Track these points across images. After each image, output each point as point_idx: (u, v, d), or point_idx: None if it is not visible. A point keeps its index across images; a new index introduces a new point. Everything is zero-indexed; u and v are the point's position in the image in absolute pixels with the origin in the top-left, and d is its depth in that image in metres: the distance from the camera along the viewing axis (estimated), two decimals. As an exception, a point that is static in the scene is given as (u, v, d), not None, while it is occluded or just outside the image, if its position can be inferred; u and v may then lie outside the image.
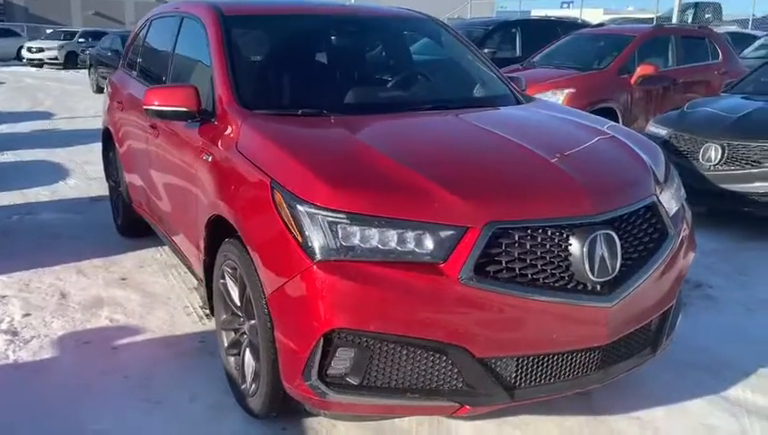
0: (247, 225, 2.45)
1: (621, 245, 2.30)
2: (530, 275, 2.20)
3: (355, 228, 2.15)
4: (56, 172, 7.17)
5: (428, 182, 2.25)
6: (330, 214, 2.16)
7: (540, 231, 2.22)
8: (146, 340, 3.40)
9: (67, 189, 6.44)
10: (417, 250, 2.16)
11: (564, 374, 2.35)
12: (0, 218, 5.40)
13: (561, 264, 2.24)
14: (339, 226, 2.15)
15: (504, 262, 2.18)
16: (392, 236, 2.16)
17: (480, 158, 2.58)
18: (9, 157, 7.92)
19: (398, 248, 2.15)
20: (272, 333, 2.33)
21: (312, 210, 2.18)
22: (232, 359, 2.84)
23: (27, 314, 3.65)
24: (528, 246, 2.21)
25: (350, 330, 2.14)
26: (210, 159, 2.84)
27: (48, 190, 6.35)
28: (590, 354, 2.35)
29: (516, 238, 2.20)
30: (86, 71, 17.38)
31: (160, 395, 2.88)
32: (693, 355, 3.14)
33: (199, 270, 3.12)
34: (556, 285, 2.23)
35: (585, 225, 2.25)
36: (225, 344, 2.89)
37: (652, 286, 2.44)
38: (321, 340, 2.15)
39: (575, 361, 2.34)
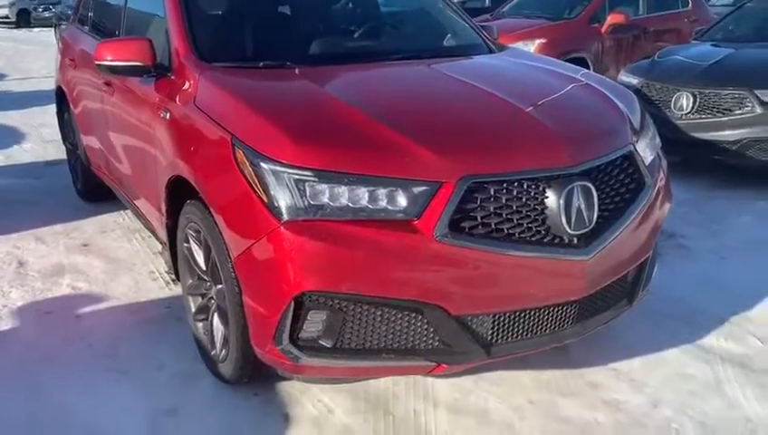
0: (209, 185, 2.33)
1: (598, 196, 2.23)
2: (506, 230, 2.13)
3: (323, 186, 2.05)
4: (10, 136, 6.87)
5: (400, 136, 2.14)
6: (296, 171, 2.05)
7: (516, 184, 2.14)
8: (110, 307, 3.28)
9: (22, 153, 6.18)
10: (389, 208, 2.06)
11: (541, 329, 2.30)
12: (-49, 186, 5.16)
13: (537, 217, 2.17)
14: (306, 184, 2.05)
15: (479, 217, 2.10)
16: (363, 194, 2.06)
17: (453, 109, 2.47)
18: (-40, 120, 7.57)
19: (370, 206, 2.06)
20: (240, 297, 2.23)
21: (277, 168, 2.06)
22: (200, 324, 2.75)
23: (-17, 285, 3.49)
24: (504, 201, 2.13)
25: (321, 292, 2.05)
26: (168, 117, 2.68)
27: (2, 155, 6.09)
28: (568, 308, 2.30)
29: (492, 193, 2.12)
30: (39, 29, 16.67)
31: (127, 364, 2.78)
32: (668, 305, 3.14)
33: (162, 234, 2.99)
34: (532, 239, 2.16)
35: (563, 177, 2.18)
36: (193, 310, 2.79)
37: (629, 238, 2.39)
38: (292, 303, 2.06)
39: (552, 315, 2.29)
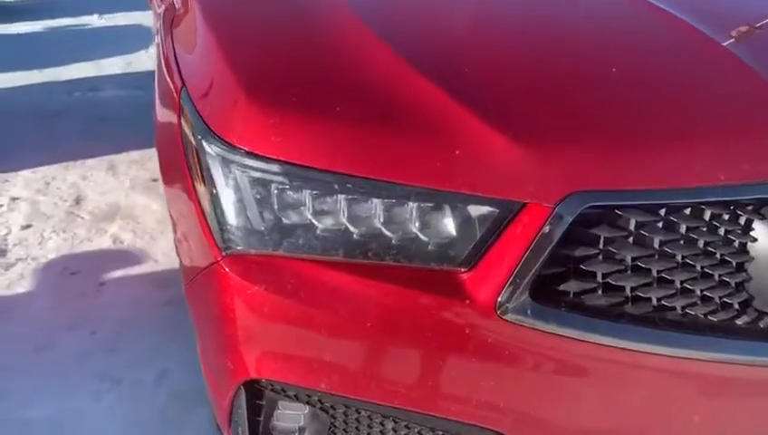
0: (161, 166, 1.48)
1: None
2: (656, 303, 1.05)
3: (302, 194, 1.10)
4: (143, 38, 6.50)
5: (453, 104, 1.10)
6: (256, 164, 1.11)
7: (688, 214, 1.04)
8: (142, 274, 2.65)
9: (144, 59, 5.76)
10: (417, 238, 1.08)
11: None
12: (60, 96, 4.83)
13: (727, 279, 1.05)
14: (272, 187, 1.11)
15: (598, 277, 1.04)
16: (373, 211, 1.08)
17: (570, 52, 1.31)
18: (104, 21, 7.39)
19: (384, 234, 1.08)
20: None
21: (227, 154, 1.13)
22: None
23: (27, 226, 3.03)
24: (657, 245, 1.04)
25: (289, 385, 1.15)
26: (157, 41, 1.83)
27: (124, 61, 5.71)
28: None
29: (631, 228, 1.04)
30: None
31: (122, 370, 2.14)
32: None
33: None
34: (718, 321, 1.06)
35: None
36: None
37: None
38: (242, 391, 1.18)
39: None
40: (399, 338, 1.08)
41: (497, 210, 1.04)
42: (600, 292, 1.06)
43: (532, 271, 1.02)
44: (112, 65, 5.57)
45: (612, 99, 1.14)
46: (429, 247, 1.07)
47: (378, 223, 1.08)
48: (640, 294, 1.06)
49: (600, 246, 1.05)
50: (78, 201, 3.25)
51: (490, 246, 1.05)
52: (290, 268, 1.10)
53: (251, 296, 1.11)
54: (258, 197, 1.11)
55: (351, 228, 1.09)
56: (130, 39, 6.41)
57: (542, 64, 1.22)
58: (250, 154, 1.11)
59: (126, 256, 2.77)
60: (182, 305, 2.45)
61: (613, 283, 1.06)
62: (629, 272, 1.05)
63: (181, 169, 1.26)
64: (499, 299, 1.03)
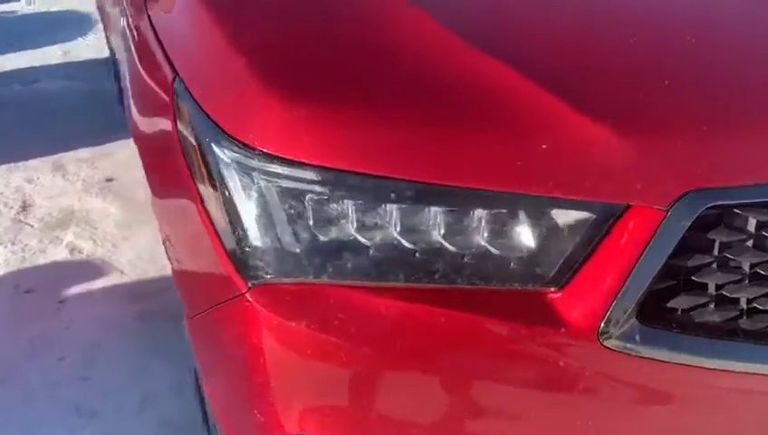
0: (150, 175, 1.23)
1: None
2: (778, 316, 0.89)
3: (347, 206, 0.88)
4: (79, 25, 6.04)
5: (536, 88, 0.88)
6: (286, 170, 0.88)
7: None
8: (108, 287, 2.38)
9: (82, 48, 5.34)
10: (495, 254, 0.88)
11: None
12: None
13: None
14: (307, 198, 0.89)
15: (710, 288, 0.87)
16: (438, 224, 0.88)
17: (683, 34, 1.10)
18: (33, 7, 6.86)
19: (451, 251, 0.88)
20: (200, 384, 1.18)
21: (248, 160, 0.90)
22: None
23: (-33, 239, 2.70)
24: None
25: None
26: (124, 24, 1.56)
27: (61, 50, 5.28)
28: None
29: (751, 229, 0.87)
30: None
31: (99, 399, 1.88)
32: None
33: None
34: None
35: None
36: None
37: None
38: (280, 450, 0.97)
39: None
40: (479, 378, 0.88)
41: (594, 215, 0.85)
42: (712, 306, 0.89)
43: (643, 288, 0.84)
44: (48, 55, 5.15)
45: (729, 80, 0.95)
46: (511, 265, 0.87)
47: (445, 238, 0.88)
48: (758, 307, 0.89)
49: (716, 252, 0.87)
50: (25, 207, 2.92)
51: (586, 258, 0.86)
52: (336, 299, 0.89)
53: (288, 336, 0.89)
54: (291, 211, 0.89)
55: (411, 246, 0.88)
56: (65, 26, 5.96)
57: (637, 39, 1.01)
58: (278, 159, 0.88)
59: (86, 268, 2.48)
60: (159, 319, 2.21)
61: (728, 295, 0.88)
62: (747, 281, 0.88)
63: (180, 180, 1.03)
64: (602, 324, 0.85)
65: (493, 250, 0.88)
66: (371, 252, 0.88)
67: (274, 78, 0.90)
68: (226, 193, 0.93)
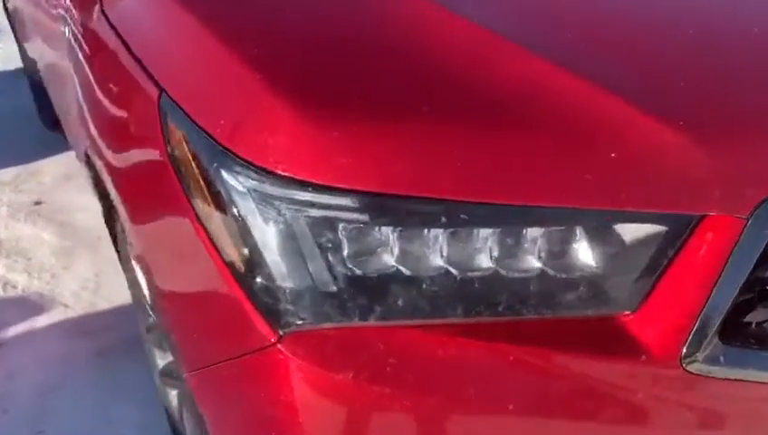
0: (126, 197, 1.06)
1: None
2: None
3: (390, 235, 0.76)
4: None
5: (597, 90, 0.78)
6: (316, 198, 0.75)
7: None
8: (51, 326, 2.15)
9: (-8, 57, 4.93)
10: (561, 279, 0.78)
11: None
12: None
13: None
14: (341, 228, 0.76)
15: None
16: (496, 249, 0.77)
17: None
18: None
19: (514, 278, 0.78)
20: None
21: (269, 188, 0.76)
22: (172, 392, 1.59)
23: None
24: None
25: None
26: (68, 33, 1.37)
27: (-36, 61, 4.85)
28: None
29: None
30: None
31: (58, 456, 1.68)
32: None
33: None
34: None
35: None
36: (158, 365, 1.62)
37: None
38: None
39: None
40: (550, 418, 0.78)
41: (667, 228, 0.77)
42: (784, 317, 0.83)
43: (727, 304, 0.77)
44: (-50, 68, 4.71)
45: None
46: (579, 288, 0.78)
47: (505, 264, 0.77)
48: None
49: (790, 259, 0.81)
50: (-59, 241, 2.63)
51: (660, 276, 0.78)
52: (386, 343, 0.77)
53: (332, 390, 0.77)
54: (325, 244, 0.76)
55: (468, 275, 0.77)
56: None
57: (708, 40, 0.93)
58: (307, 184, 0.75)
59: (24, 304, 2.24)
60: (117, 354, 2.01)
61: (800, 303, 0.83)
62: (818, 287, 0.83)
63: (177, 212, 0.88)
64: (685, 347, 0.77)
65: (556, 273, 0.78)
66: (424, 286, 0.77)
67: (299, 91, 0.77)
68: (243, 226, 0.79)
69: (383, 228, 0.77)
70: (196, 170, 0.84)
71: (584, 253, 0.79)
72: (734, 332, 0.81)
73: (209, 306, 0.87)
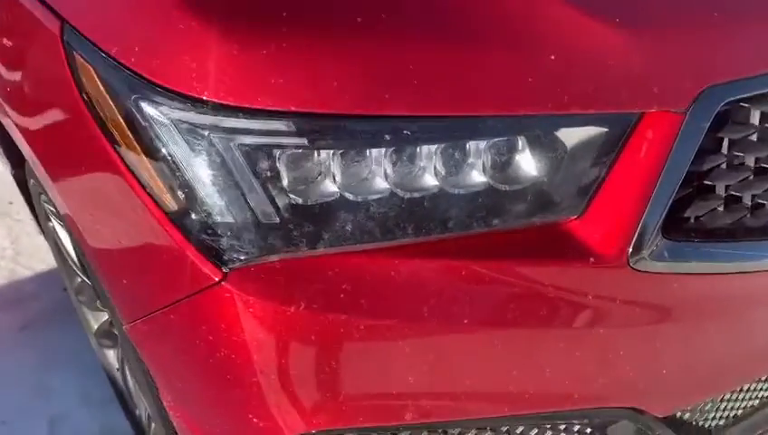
0: (46, 160, 0.98)
1: None
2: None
3: (332, 158, 0.73)
4: None
5: None
6: (251, 124, 0.70)
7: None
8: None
9: None
10: (505, 191, 0.77)
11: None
12: None
13: None
14: (279, 155, 0.72)
15: (719, 190, 0.84)
16: (440, 164, 0.75)
17: None
18: None
19: (461, 193, 0.76)
20: (157, 398, 0.98)
21: (197, 117, 0.71)
22: (110, 352, 1.53)
23: None
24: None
25: (356, 429, 0.81)
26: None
27: None
28: None
29: (755, 121, 0.83)
30: None
31: (-4, 433, 1.60)
32: None
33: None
34: None
35: None
36: (93, 327, 1.56)
37: None
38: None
39: None
40: (506, 327, 0.78)
41: (607, 129, 0.77)
42: (721, 209, 0.85)
43: (667, 202, 0.78)
44: None
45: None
46: (526, 198, 0.77)
47: (450, 181, 0.76)
48: (763, 202, 0.87)
49: (725, 151, 0.83)
50: None
51: (603, 178, 0.78)
52: (338, 270, 0.74)
53: (286, 323, 0.74)
54: (263, 173, 0.72)
55: (415, 196, 0.75)
56: None
57: None
58: (238, 109, 0.70)
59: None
60: (45, 324, 1.91)
61: (737, 194, 0.85)
62: (752, 177, 0.85)
63: (100, 159, 0.81)
64: (631, 246, 0.78)
65: (502, 186, 0.77)
66: (371, 209, 0.74)
67: (221, 5, 0.71)
68: (172, 163, 0.74)
69: (323, 152, 0.74)
70: (114, 108, 0.77)
71: (528, 163, 0.78)
72: (676, 227, 0.83)
73: (147, 255, 0.81)
